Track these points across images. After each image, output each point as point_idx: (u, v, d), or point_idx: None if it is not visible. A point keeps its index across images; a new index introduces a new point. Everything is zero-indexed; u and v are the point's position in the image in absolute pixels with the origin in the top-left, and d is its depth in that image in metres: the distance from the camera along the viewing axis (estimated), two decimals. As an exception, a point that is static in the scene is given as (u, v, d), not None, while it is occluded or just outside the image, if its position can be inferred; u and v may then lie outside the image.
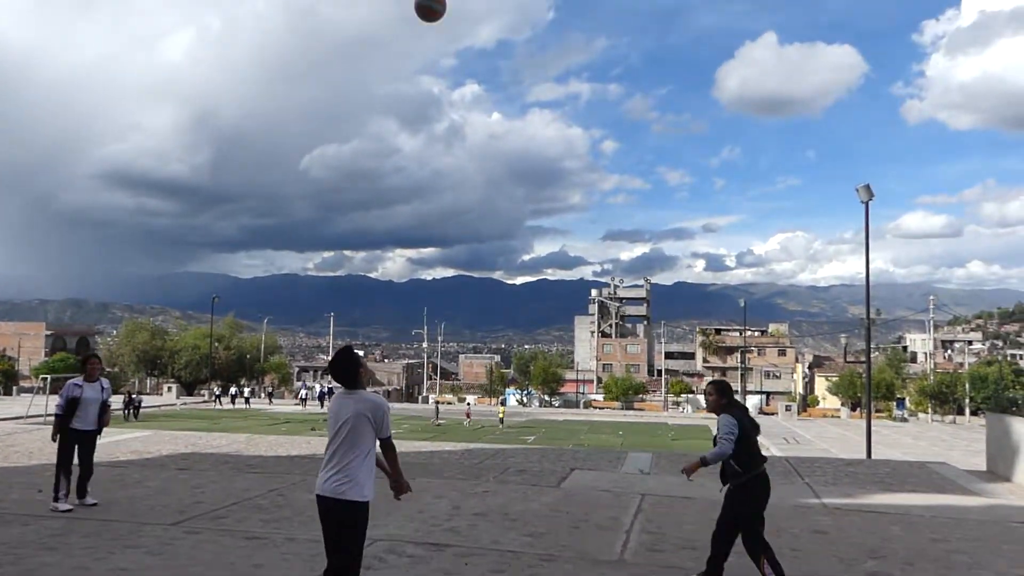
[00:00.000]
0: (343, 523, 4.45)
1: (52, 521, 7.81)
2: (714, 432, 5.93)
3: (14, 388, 65.41)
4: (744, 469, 5.79)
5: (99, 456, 13.18)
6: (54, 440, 8.69)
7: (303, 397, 58.44)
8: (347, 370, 4.57)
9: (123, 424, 30.35)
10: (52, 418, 8.90)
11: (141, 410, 40.32)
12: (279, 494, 9.58)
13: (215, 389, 61.33)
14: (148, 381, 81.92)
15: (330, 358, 4.76)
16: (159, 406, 54.96)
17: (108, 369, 78.03)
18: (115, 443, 15.47)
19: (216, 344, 77.18)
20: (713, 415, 6.06)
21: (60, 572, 5.99)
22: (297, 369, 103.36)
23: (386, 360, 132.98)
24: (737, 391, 78.94)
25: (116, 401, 40.64)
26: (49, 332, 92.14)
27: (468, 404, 58.65)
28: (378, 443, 4.60)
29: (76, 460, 8.62)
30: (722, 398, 6.00)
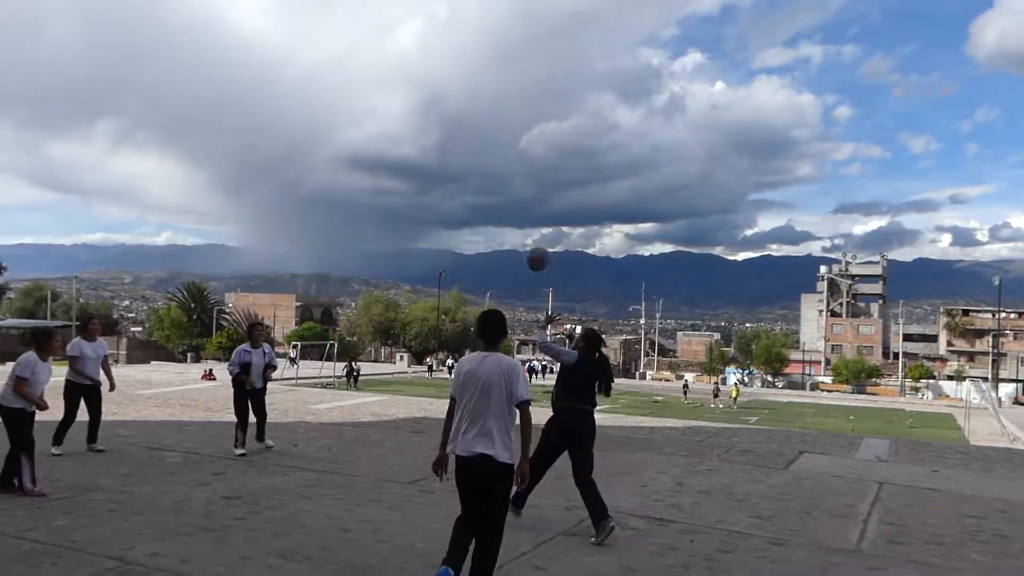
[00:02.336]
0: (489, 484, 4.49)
1: (307, 473, 8.61)
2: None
3: (271, 353, 72.77)
4: (555, 400, 6.49)
5: (343, 417, 14.38)
6: (238, 387, 10.21)
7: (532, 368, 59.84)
8: (499, 329, 4.72)
9: (345, 391, 32.70)
10: (233, 378, 10.34)
11: (360, 378, 43.02)
12: (505, 460, 9.93)
13: (429, 361, 64.85)
14: (382, 350, 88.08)
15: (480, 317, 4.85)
16: (392, 374, 58.93)
17: (348, 338, 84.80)
18: (355, 405, 16.79)
19: (443, 317, 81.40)
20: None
21: (315, 519, 6.59)
22: (517, 342, 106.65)
23: (604, 335, 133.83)
24: (987, 378, 71.55)
25: (338, 368, 44.01)
26: (298, 304, 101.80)
27: (717, 384, 56.68)
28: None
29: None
30: (582, 341, 6.75)
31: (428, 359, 66.66)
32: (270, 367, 10.38)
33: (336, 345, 52.70)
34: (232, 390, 10.30)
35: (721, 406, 44.15)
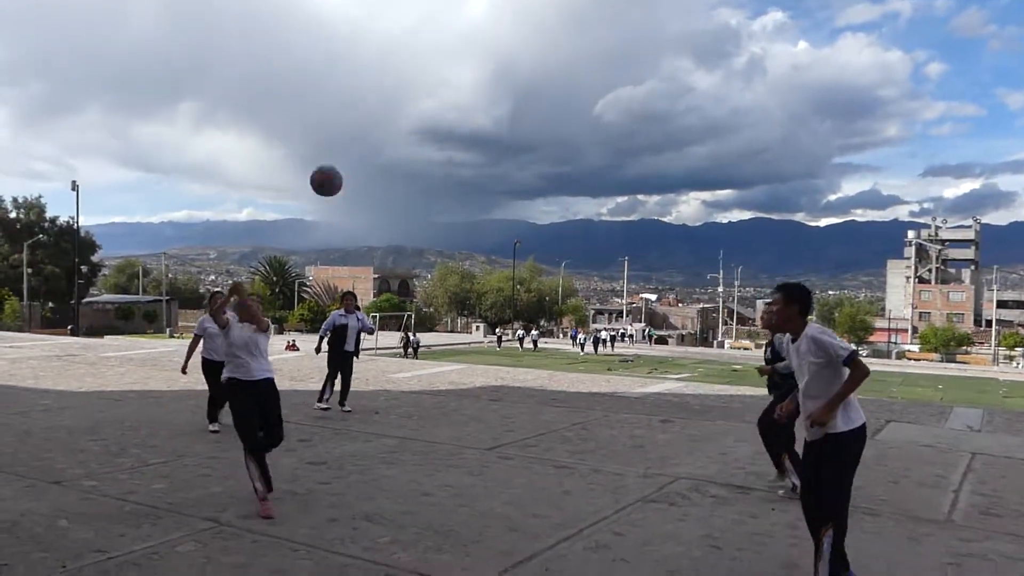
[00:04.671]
0: None
1: (388, 439, 8.80)
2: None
3: (349, 325, 74.34)
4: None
5: (422, 386, 14.62)
6: (317, 353, 11.10)
7: (581, 342, 57.45)
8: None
9: (420, 360, 33.03)
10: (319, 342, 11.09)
11: (420, 349, 42.51)
12: (583, 427, 9.96)
13: (499, 332, 63.85)
14: (459, 320, 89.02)
15: (792, 290, 4.63)
16: (468, 344, 59.58)
17: (424, 309, 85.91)
18: (434, 374, 17.02)
19: (518, 287, 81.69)
20: None
21: (398, 484, 6.74)
22: (592, 312, 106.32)
23: (680, 304, 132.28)
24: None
25: (395, 339, 43.89)
26: (376, 276, 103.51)
27: None
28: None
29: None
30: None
31: (498, 330, 66.21)
32: (359, 334, 10.92)
33: (413, 316, 53.41)
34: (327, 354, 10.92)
35: None
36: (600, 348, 55.24)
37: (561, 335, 78.11)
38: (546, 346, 61.90)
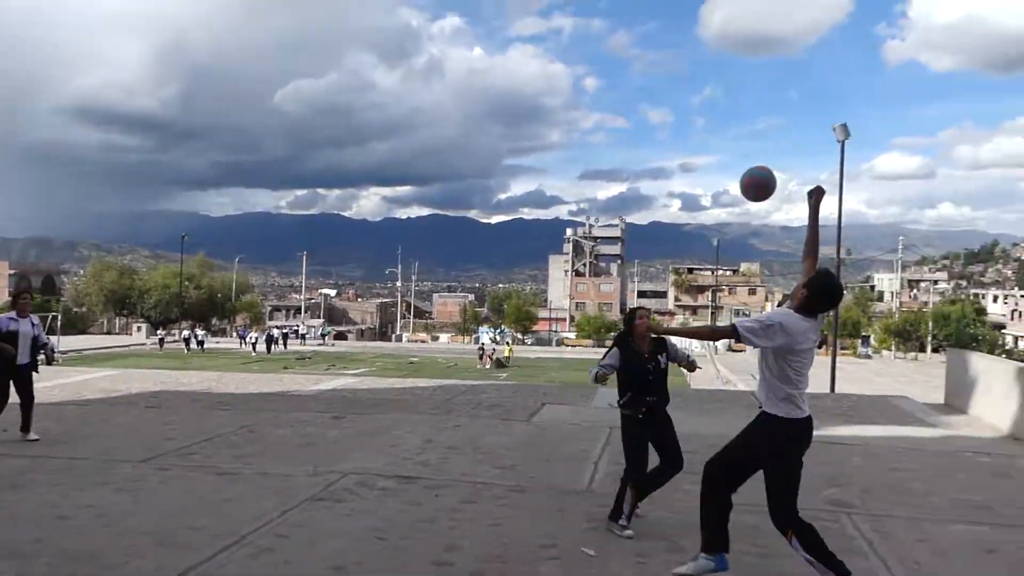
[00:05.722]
0: None
1: (17, 460, 7.74)
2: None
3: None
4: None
5: (65, 395, 13.10)
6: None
7: (252, 341, 54.85)
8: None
9: (69, 367, 29.88)
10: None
11: (56, 354, 38.21)
12: (250, 430, 9.58)
13: (161, 333, 58.85)
14: (117, 321, 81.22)
15: (823, 285, 4.27)
16: (127, 346, 54.64)
17: (75, 308, 77.22)
18: (81, 382, 15.37)
19: (186, 283, 76.48)
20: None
21: (27, 509, 5.96)
22: (270, 309, 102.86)
23: (360, 299, 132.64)
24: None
25: (67, 342, 39.53)
26: (13, 271, 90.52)
27: (482, 345, 55.97)
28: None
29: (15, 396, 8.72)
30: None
31: (159, 331, 61.17)
32: (41, 343, 8.98)
33: (60, 317, 47.75)
34: None
35: (488, 366, 45.06)
36: (273, 347, 53.33)
37: (234, 334, 74.43)
38: (216, 346, 58.75)
